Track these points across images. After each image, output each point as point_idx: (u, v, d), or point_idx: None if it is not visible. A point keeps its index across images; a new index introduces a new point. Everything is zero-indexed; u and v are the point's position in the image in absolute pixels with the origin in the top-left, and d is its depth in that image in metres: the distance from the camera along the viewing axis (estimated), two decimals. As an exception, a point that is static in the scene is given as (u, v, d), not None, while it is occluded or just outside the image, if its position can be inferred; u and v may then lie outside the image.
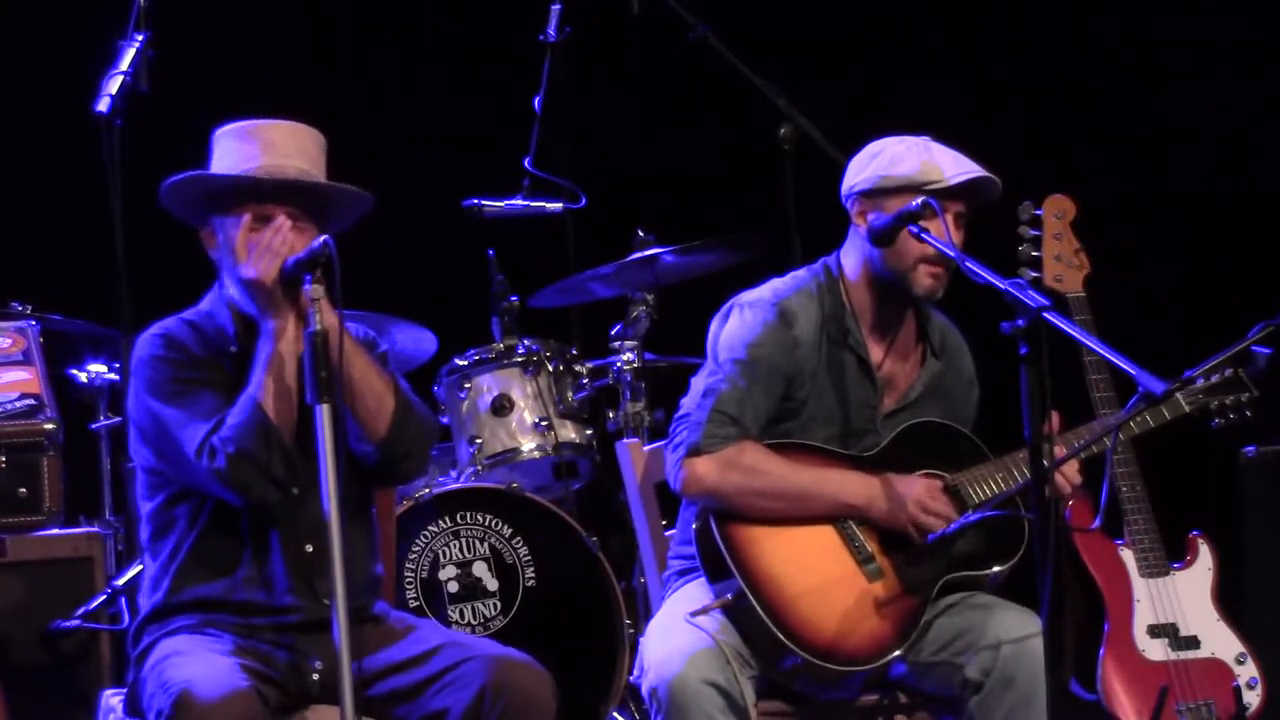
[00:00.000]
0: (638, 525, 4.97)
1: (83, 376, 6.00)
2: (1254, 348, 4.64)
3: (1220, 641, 4.72)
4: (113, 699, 4.41)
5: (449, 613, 5.71)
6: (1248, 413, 4.71)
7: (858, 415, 4.64)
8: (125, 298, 5.38)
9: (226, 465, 4.15)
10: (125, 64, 5.44)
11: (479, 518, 5.79)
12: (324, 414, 4.03)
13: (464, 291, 6.40)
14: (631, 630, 5.72)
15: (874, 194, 4.59)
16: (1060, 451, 4.40)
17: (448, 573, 5.75)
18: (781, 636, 4.38)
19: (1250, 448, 5.46)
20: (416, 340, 6.16)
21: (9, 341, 4.92)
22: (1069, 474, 4.51)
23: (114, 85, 5.41)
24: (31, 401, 4.76)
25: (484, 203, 6.29)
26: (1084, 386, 4.73)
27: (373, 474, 4.35)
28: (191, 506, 4.29)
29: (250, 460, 4.15)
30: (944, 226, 4.40)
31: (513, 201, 6.32)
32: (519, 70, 6.50)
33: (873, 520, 4.53)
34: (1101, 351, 3.98)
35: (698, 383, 4.62)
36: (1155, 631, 4.70)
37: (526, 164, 6.34)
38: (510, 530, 5.79)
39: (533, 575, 5.78)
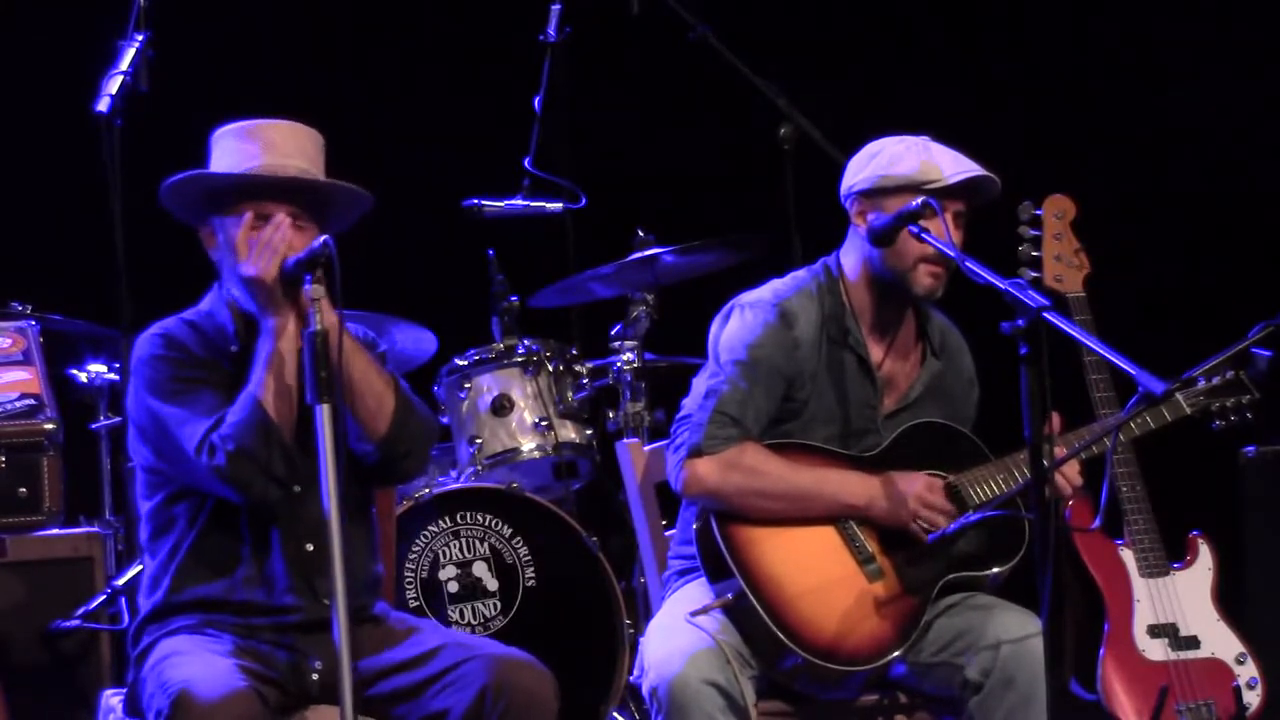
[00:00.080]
0: (638, 525, 4.97)
1: (83, 376, 6.00)
2: (1254, 350, 4.64)
3: (1220, 641, 4.72)
4: (113, 699, 4.41)
5: (449, 613, 5.71)
6: (1248, 414, 4.71)
7: (858, 415, 4.64)
8: (125, 298, 5.38)
9: (226, 462, 4.15)
10: (125, 64, 5.44)
11: (479, 518, 5.79)
12: (324, 414, 4.03)
13: (464, 291, 6.40)
14: (631, 630, 5.72)
15: (873, 194, 4.59)
16: (1060, 452, 4.40)
17: (448, 573, 5.75)
18: (782, 636, 4.38)
19: (1250, 448, 5.46)
20: (416, 340, 6.16)
21: (9, 341, 4.92)
22: (1069, 474, 4.51)
23: (114, 85, 5.41)
24: (31, 401, 4.76)
25: (484, 203, 6.29)
26: (1084, 386, 4.73)
27: (373, 473, 4.35)
28: (191, 506, 4.29)
29: (250, 458, 4.15)
30: (944, 226, 4.40)
31: (513, 201, 6.32)
32: (519, 70, 6.50)
33: (874, 519, 4.53)
34: (1101, 351, 3.98)
35: (699, 384, 4.62)
36: (1155, 631, 4.70)
37: (526, 164, 6.34)
38: (510, 530, 5.79)
39: (533, 575, 5.78)
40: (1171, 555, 4.78)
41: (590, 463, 6.09)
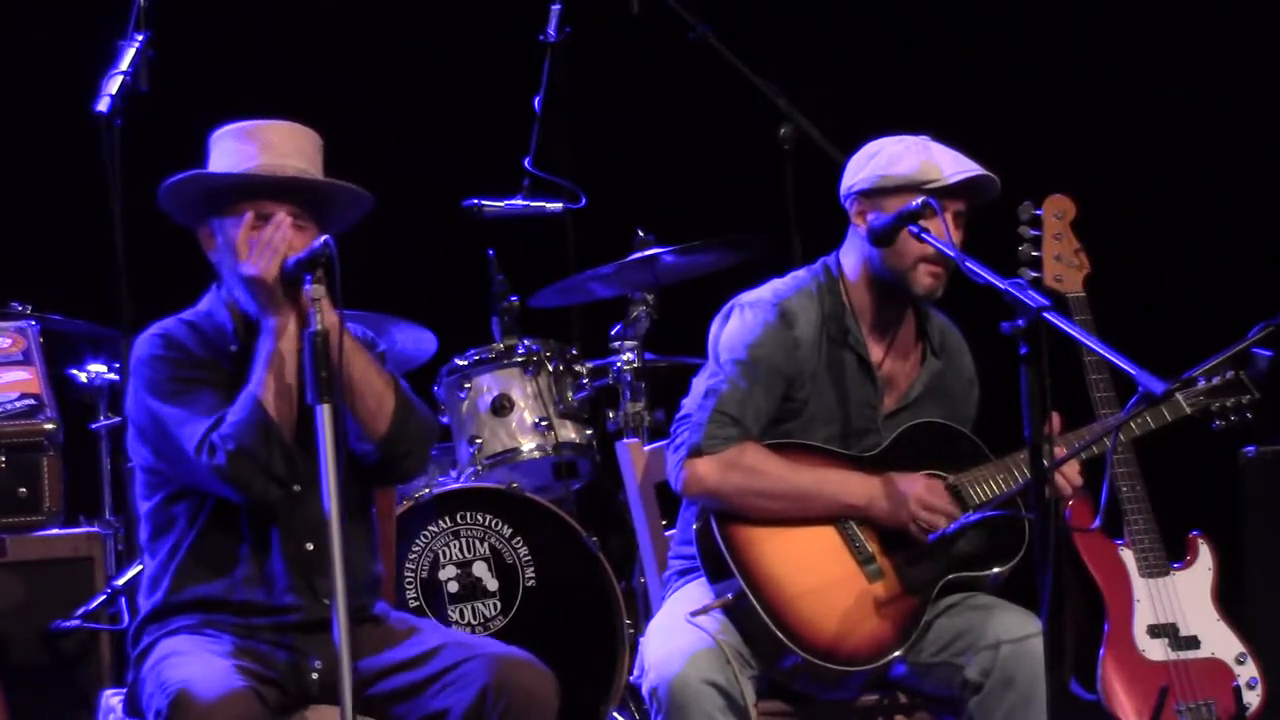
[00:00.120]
0: (638, 525, 4.97)
1: (83, 376, 6.00)
2: (1255, 350, 4.64)
3: (1220, 641, 4.72)
4: (113, 699, 4.41)
5: (449, 613, 5.71)
6: (1249, 415, 4.71)
7: (858, 415, 4.64)
8: (125, 298, 5.38)
9: (226, 462, 4.15)
10: (125, 64, 5.44)
11: (479, 518, 5.79)
12: (324, 413, 4.03)
13: (464, 291, 6.40)
14: (631, 630, 5.72)
15: (873, 193, 4.59)
16: (1060, 452, 4.40)
17: (448, 573, 5.75)
18: (781, 636, 4.38)
19: (1250, 448, 5.46)
20: (416, 340, 6.16)
21: (9, 341, 4.92)
22: (1069, 475, 4.51)
23: (114, 85, 5.41)
24: (31, 401, 4.76)
25: (484, 203, 6.29)
26: (1084, 386, 4.73)
27: (373, 473, 4.35)
28: (191, 506, 4.29)
29: (250, 457, 4.15)
30: (944, 226, 4.40)
31: (513, 201, 6.32)
32: (519, 70, 6.50)
33: (874, 519, 4.53)
34: (1101, 351, 3.98)
35: (699, 383, 4.62)
36: (1155, 631, 4.70)
37: (526, 164, 6.34)
38: (510, 530, 5.79)
39: (533, 575, 5.78)
40: (1171, 555, 4.78)
41: (590, 463, 6.09)
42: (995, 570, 4.56)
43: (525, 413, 5.99)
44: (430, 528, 5.75)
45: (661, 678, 4.37)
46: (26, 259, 6.35)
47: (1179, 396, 4.68)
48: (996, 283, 4.02)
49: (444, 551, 5.76)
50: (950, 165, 4.56)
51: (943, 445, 4.64)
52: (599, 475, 6.11)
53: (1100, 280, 4.80)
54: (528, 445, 5.98)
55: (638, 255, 5.88)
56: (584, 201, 6.38)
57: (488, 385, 6.02)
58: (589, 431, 6.06)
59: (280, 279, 4.20)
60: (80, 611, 5.41)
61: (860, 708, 4.58)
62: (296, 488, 4.22)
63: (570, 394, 6.03)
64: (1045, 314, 3.87)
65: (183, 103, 5.71)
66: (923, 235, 4.43)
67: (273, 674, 4.19)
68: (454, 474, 6.01)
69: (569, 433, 6.00)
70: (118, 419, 5.85)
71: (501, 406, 5.99)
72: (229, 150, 4.31)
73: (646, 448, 4.99)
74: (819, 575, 4.48)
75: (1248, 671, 4.71)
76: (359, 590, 4.26)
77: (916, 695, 4.60)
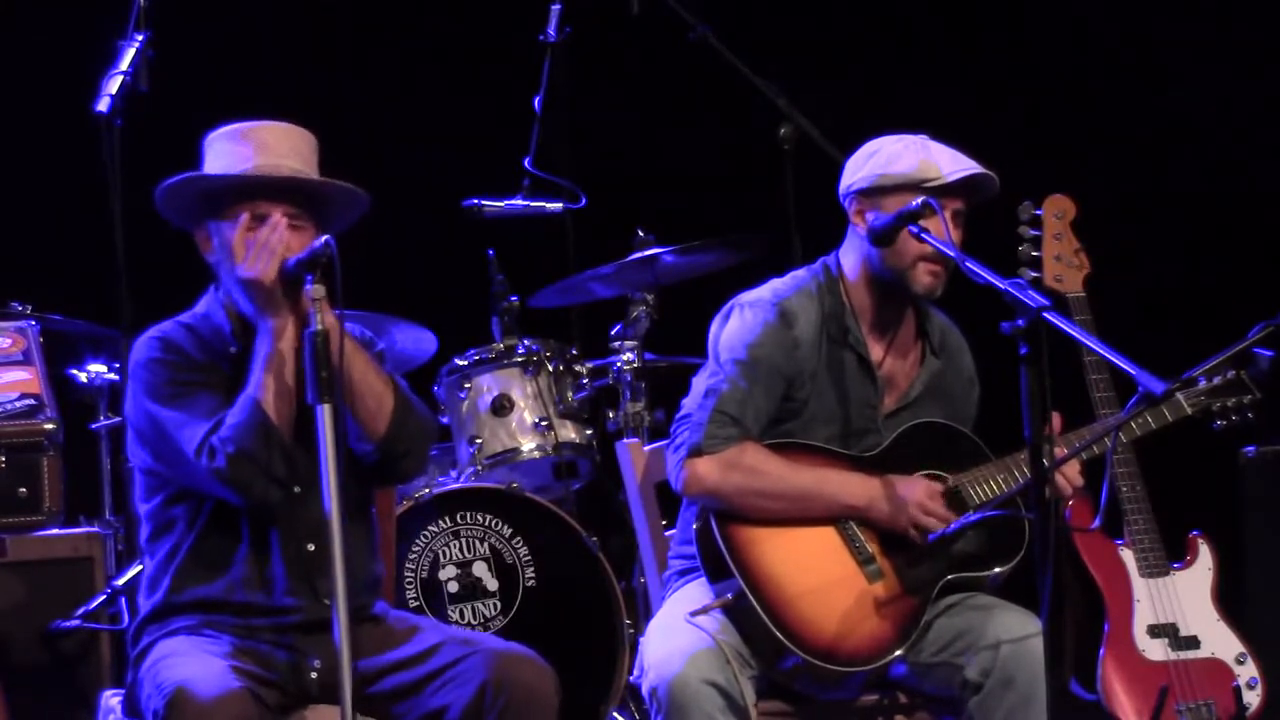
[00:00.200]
0: (638, 525, 4.97)
1: (83, 376, 6.00)
2: (1255, 349, 4.64)
3: (1220, 641, 4.72)
4: (112, 699, 4.41)
5: (449, 613, 5.71)
6: (1250, 414, 4.71)
7: (859, 415, 4.64)
8: (125, 298, 5.38)
9: (226, 465, 4.15)
10: (125, 64, 5.44)
11: (479, 518, 5.79)
12: (325, 414, 4.03)
13: (464, 291, 6.40)
14: (631, 630, 5.72)
15: (872, 193, 4.59)
16: (1060, 452, 4.40)
17: (448, 573, 5.75)
18: (781, 637, 4.38)
19: (1250, 448, 5.46)
20: (416, 340, 6.16)
21: (9, 341, 4.92)
22: (1070, 475, 4.50)
23: (114, 85, 5.41)
24: (31, 401, 4.76)
25: (484, 203, 6.29)
26: (1084, 386, 4.73)
27: (372, 473, 4.35)
28: (190, 507, 4.29)
29: (250, 459, 4.15)
30: (943, 225, 4.40)
31: (513, 201, 6.32)
32: (519, 70, 6.50)
33: (873, 521, 4.53)
34: (1101, 351, 3.98)
35: (698, 383, 4.62)
36: (1155, 631, 4.70)
37: (526, 164, 6.34)
38: (510, 530, 5.79)
39: (533, 575, 5.78)
40: (1171, 555, 4.78)
41: (590, 463, 6.09)
42: (995, 570, 4.56)
43: (525, 413, 5.99)
44: (430, 528, 5.75)
45: (661, 678, 4.37)
46: (26, 259, 6.35)
47: (1180, 396, 4.68)
48: (996, 283, 4.02)
49: (444, 551, 5.76)
50: (949, 164, 4.56)
51: (943, 445, 4.64)
52: (599, 475, 6.11)
53: (1100, 280, 4.80)
54: (528, 445, 5.98)
55: (638, 255, 5.88)
56: (584, 201, 6.38)
57: (488, 385, 6.02)
58: (589, 431, 6.06)
59: (280, 280, 4.20)
60: (80, 611, 5.40)
61: (860, 708, 4.58)
62: (297, 489, 4.22)
63: (570, 394, 6.03)
64: (1045, 314, 3.87)
65: (183, 103, 5.70)
66: (923, 235, 4.43)
67: (272, 674, 4.19)
68: (454, 474, 6.01)
69: (569, 433, 6.00)
70: (118, 419, 5.85)
71: (501, 406, 5.99)
72: (224, 152, 4.30)
73: (646, 448, 4.99)
74: (819, 575, 4.48)
75: (1248, 671, 4.71)
76: (359, 590, 4.26)
77: (916, 695, 4.60)
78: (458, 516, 5.77)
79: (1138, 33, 7.40)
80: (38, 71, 6.58)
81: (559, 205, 6.38)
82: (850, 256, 4.69)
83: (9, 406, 4.73)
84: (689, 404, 4.60)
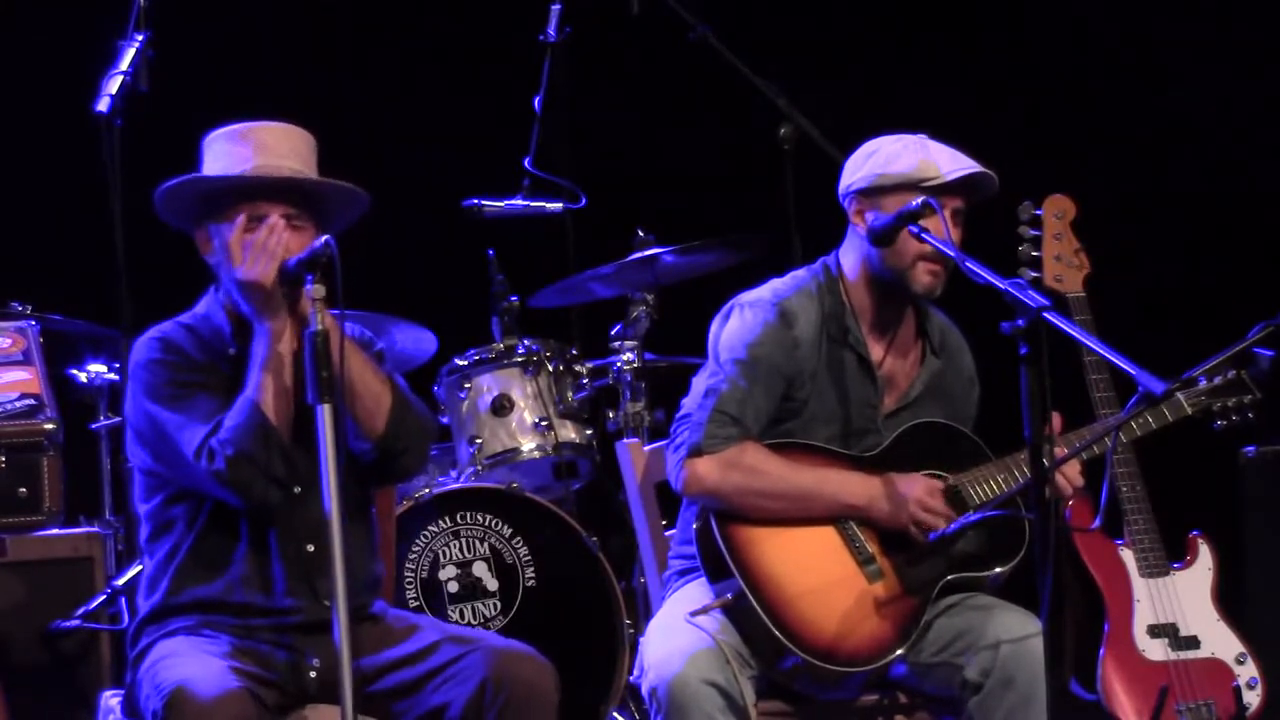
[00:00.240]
0: (638, 525, 4.97)
1: (83, 376, 6.00)
2: (1256, 349, 4.64)
3: (1220, 641, 4.72)
4: (112, 700, 4.41)
5: (449, 613, 5.71)
6: (1250, 414, 4.71)
7: (859, 414, 4.64)
8: (125, 298, 5.38)
9: (226, 467, 4.15)
10: (125, 64, 5.43)
11: (479, 518, 5.79)
12: (325, 414, 4.03)
13: (464, 291, 6.40)
14: (631, 630, 5.72)
15: (871, 192, 4.59)
16: (1060, 452, 4.40)
17: (448, 573, 5.75)
18: (781, 637, 4.38)
19: (1250, 448, 5.46)
20: (416, 340, 6.16)
21: (9, 341, 4.92)
22: (1070, 475, 4.50)
23: (114, 85, 5.41)
24: (31, 401, 4.76)
25: (484, 203, 6.29)
26: (1084, 386, 4.73)
27: (371, 472, 4.35)
28: (190, 507, 4.29)
29: (250, 461, 4.15)
30: (943, 225, 4.40)
31: (513, 201, 6.32)
32: (519, 70, 6.50)
33: (874, 520, 4.52)
34: (1101, 351, 3.98)
35: (698, 383, 4.62)
36: (1155, 631, 4.70)
37: (526, 164, 6.34)
38: (510, 530, 5.79)
39: (533, 575, 5.78)
40: (1171, 555, 4.78)
41: (590, 463, 6.09)
42: (996, 570, 4.56)
43: (525, 413, 5.99)
44: (430, 528, 5.75)
45: (661, 678, 4.37)
46: (26, 259, 6.35)
47: (1180, 396, 4.68)
48: (996, 283, 4.02)
49: (444, 551, 5.76)
50: (948, 163, 4.56)
51: (943, 445, 4.64)
52: (599, 475, 6.11)
53: (1100, 280, 4.80)
54: (528, 445, 5.98)
55: (638, 255, 5.88)
56: (584, 201, 6.38)
57: (488, 385, 6.02)
58: (589, 431, 6.06)
59: (280, 280, 4.20)
60: (80, 611, 5.40)
61: (860, 708, 4.58)
62: (296, 489, 4.22)
63: (570, 394, 6.03)
64: (1045, 314, 3.87)
65: (183, 103, 5.70)
66: (922, 235, 4.43)
67: (271, 674, 4.19)
68: (454, 474, 6.01)
69: (569, 433, 6.00)
70: (118, 419, 5.85)
71: (501, 406, 5.99)
72: (223, 153, 4.30)
73: (646, 448, 4.99)
74: (819, 575, 4.48)
75: (1248, 671, 4.71)
76: (359, 590, 4.26)
77: (916, 695, 4.60)
78: (458, 516, 5.77)
79: (1138, 33, 7.40)
80: (38, 71, 6.58)
81: (559, 205, 6.38)
82: (850, 256, 4.69)
83: (9, 406, 4.73)
84: (689, 404, 4.60)
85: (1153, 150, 7.35)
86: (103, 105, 5.39)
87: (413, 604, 5.67)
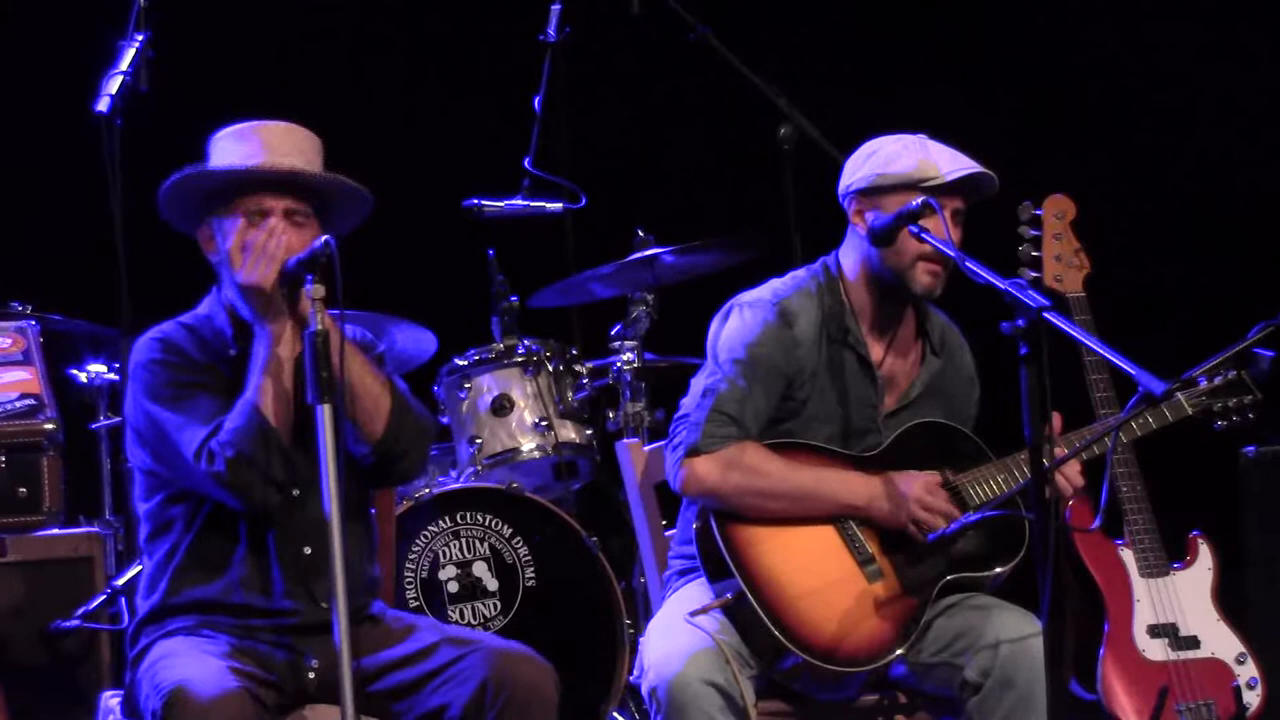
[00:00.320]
0: (638, 525, 4.97)
1: (83, 376, 6.00)
2: (1256, 349, 4.64)
3: (1220, 641, 4.72)
4: (111, 700, 4.41)
5: (449, 613, 5.71)
6: (1250, 414, 4.71)
7: (859, 414, 4.64)
8: (125, 298, 5.38)
9: (226, 469, 4.14)
10: (125, 64, 5.44)
11: (479, 518, 5.78)
12: (325, 414, 4.03)
13: (464, 291, 6.39)
14: (631, 630, 5.72)
15: (871, 192, 4.59)
16: (1060, 452, 4.40)
17: (448, 573, 5.75)
18: (781, 637, 4.38)
19: (1250, 448, 5.46)
20: (416, 340, 6.16)
21: (9, 341, 4.93)
22: (1071, 475, 4.50)
23: (114, 85, 5.41)
24: (31, 401, 4.77)
25: (484, 203, 6.29)
26: (1084, 386, 4.73)
27: (370, 474, 4.35)
28: (189, 508, 4.28)
29: (250, 463, 4.15)
30: (943, 225, 4.40)
31: (513, 201, 6.32)
32: (519, 70, 6.50)
33: (874, 519, 4.52)
34: (1101, 351, 3.98)
35: (697, 383, 4.62)
36: (1155, 631, 4.70)
37: (526, 164, 6.33)
38: (510, 530, 5.79)
39: (533, 575, 5.78)
40: (1171, 555, 4.78)
41: (590, 463, 6.09)
42: (996, 570, 4.56)
43: (525, 413, 5.99)
44: (430, 528, 5.74)
45: (661, 678, 4.37)
46: (26, 259, 6.35)
47: (1180, 396, 4.68)
48: (996, 283, 4.02)
49: (444, 551, 5.76)
50: (948, 163, 4.56)
51: (943, 445, 4.64)
52: (599, 475, 6.11)
53: (1100, 280, 4.80)
54: (528, 445, 5.98)
55: (638, 255, 5.88)
56: (584, 201, 6.38)
57: (488, 385, 6.02)
58: (589, 431, 6.06)
59: (280, 281, 4.20)
60: (80, 611, 5.40)
61: (860, 708, 4.58)
62: (296, 492, 4.22)
63: (570, 394, 6.03)
64: (1045, 314, 3.87)
65: (183, 103, 5.71)
66: (922, 235, 4.43)
67: (270, 674, 4.19)
68: (454, 474, 6.01)
69: (569, 433, 6.00)
70: (118, 419, 5.85)
71: (501, 406, 5.99)
72: (229, 149, 4.31)
73: (646, 448, 4.99)
74: (819, 575, 4.48)
75: (1248, 671, 4.71)
76: (356, 592, 4.25)
77: (916, 695, 4.60)
78: (458, 516, 5.77)
79: (1137, 32, 7.40)
80: (38, 71, 6.58)
81: (559, 205, 6.38)
82: (850, 256, 4.69)
83: (9, 406, 4.73)
84: (687, 404, 4.60)
85: (1152, 150, 7.35)
86: (103, 105, 5.39)
87: (413, 604, 5.67)
